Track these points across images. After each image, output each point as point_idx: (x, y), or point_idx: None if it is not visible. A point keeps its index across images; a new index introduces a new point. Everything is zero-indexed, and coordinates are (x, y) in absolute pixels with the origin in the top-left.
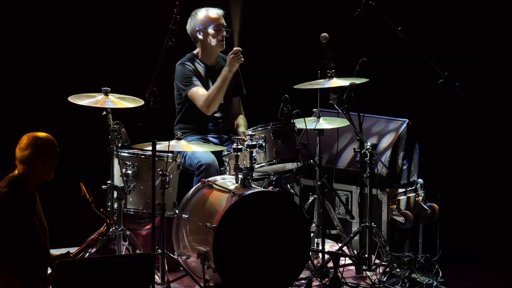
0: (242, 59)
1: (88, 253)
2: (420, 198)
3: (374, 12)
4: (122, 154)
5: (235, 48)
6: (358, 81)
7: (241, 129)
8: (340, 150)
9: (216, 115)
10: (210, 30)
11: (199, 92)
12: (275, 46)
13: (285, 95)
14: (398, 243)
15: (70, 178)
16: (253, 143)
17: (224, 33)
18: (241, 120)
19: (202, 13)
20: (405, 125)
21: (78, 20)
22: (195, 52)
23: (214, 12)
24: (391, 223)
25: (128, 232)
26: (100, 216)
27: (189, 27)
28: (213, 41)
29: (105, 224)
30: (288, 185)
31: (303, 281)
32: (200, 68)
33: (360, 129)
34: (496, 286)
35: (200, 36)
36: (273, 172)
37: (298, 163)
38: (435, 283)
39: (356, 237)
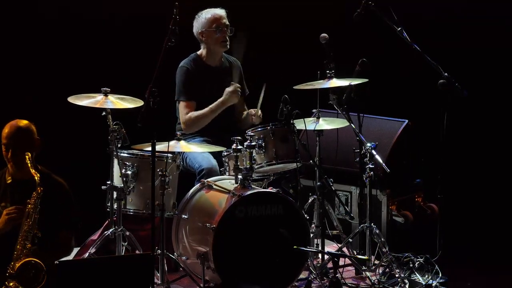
0: (240, 95)
1: (88, 253)
2: (420, 198)
3: (373, 12)
4: (122, 154)
5: (235, 85)
6: (357, 81)
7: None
8: (339, 151)
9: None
10: (213, 32)
11: (185, 108)
12: (274, 46)
13: (284, 95)
14: (398, 243)
15: (70, 178)
16: (253, 143)
17: (228, 32)
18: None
19: (205, 15)
20: (405, 125)
21: (78, 20)
22: (198, 52)
23: (216, 12)
24: (391, 223)
25: (127, 233)
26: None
27: (194, 29)
28: (216, 42)
29: None
30: (289, 185)
31: (303, 282)
32: (202, 69)
33: (360, 129)
34: (496, 286)
35: (204, 38)
36: (272, 173)
37: (298, 163)
38: (435, 283)
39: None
